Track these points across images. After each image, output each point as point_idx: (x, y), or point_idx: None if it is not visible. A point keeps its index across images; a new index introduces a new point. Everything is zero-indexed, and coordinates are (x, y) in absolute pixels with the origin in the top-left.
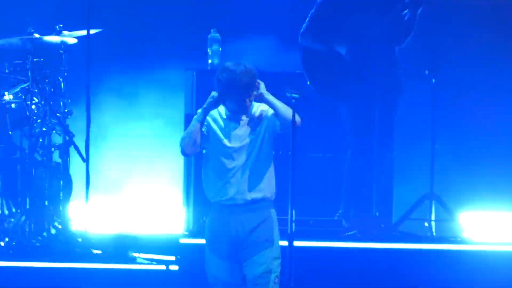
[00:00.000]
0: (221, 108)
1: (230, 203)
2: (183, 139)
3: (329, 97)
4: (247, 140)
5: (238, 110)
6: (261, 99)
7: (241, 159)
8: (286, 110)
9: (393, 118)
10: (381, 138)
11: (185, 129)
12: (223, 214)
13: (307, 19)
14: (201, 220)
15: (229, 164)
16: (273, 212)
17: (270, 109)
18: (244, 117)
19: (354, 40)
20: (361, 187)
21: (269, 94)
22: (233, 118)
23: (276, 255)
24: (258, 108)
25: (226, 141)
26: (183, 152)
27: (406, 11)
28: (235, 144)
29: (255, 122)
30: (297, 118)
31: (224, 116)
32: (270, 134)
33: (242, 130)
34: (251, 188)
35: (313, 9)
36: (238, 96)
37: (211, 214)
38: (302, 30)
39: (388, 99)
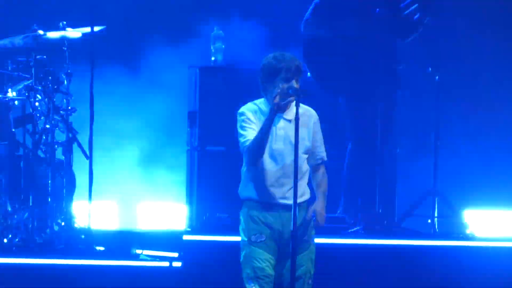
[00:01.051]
0: (264, 108)
1: (277, 203)
2: (254, 151)
3: (329, 89)
4: (291, 141)
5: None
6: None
7: (285, 160)
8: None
9: (392, 113)
10: (381, 133)
11: (189, 126)
12: (267, 211)
13: (311, 6)
14: (204, 217)
15: (273, 165)
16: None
17: (314, 120)
18: (287, 117)
19: (357, 29)
20: (363, 182)
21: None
22: (277, 119)
23: (313, 257)
24: (300, 111)
25: (272, 142)
26: (254, 164)
27: (417, 14)
28: (279, 145)
29: (297, 125)
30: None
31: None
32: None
33: (286, 132)
34: (296, 192)
35: None
36: (289, 78)
37: (251, 209)
38: (306, 17)
39: (387, 93)
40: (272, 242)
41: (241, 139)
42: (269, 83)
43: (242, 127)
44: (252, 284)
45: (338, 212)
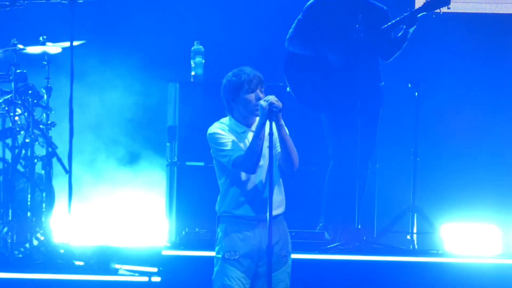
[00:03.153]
0: (231, 125)
1: (254, 218)
2: (249, 160)
3: (309, 105)
4: (265, 154)
5: (251, 110)
6: (278, 128)
7: (262, 173)
8: (294, 151)
9: (375, 131)
10: (363, 150)
11: (169, 141)
12: (246, 227)
13: (294, 23)
14: (183, 232)
15: (252, 179)
16: (285, 225)
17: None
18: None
19: (340, 48)
20: (343, 198)
21: (285, 126)
22: (246, 132)
23: (289, 270)
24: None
25: None
26: (253, 171)
27: (402, 31)
28: None
29: (271, 141)
30: (296, 159)
31: (239, 131)
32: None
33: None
34: (274, 204)
35: (300, 15)
36: (252, 89)
37: (228, 225)
38: (289, 35)
39: (369, 110)
40: (247, 260)
41: (225, 154)
42: (234, 100)
43: (221, 144)
44: None
45: (318, 228)
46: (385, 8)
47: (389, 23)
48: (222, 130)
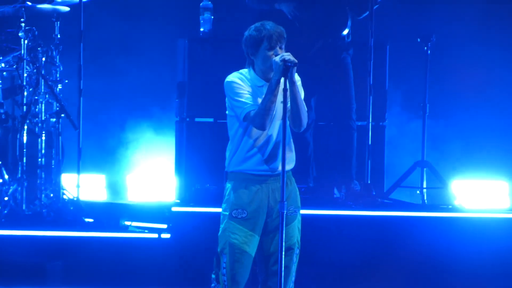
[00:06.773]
0: (249, 77)
1: (263, 174)
2: (261, 116)
3: None
4: (279, 108)
5: (269, 67)
6: (290, 85)
7: (275, 128)
8: (304, 111)
9: (349, 80)
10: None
11: (178, 97)
12: (254, 183)
13: None
14: (193, 188)
15: (264, 133)
16: (294, 181)
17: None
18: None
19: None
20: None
21: (298, 85)
22: (265, 86)
23: (299, 225)
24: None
25: None
26: (264, 128)
27: None
28: None
29: (286, 96)
30: (304, 119)
31: (258, 84)
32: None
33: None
34: (285, 161)
35: None
36: (272, 46)
37: (236, 182)
38: None
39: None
40: (256, 218)
41: (240, 105)
42: (254, 55)
43: (237, 94)
44: (225, 260)
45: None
46: None
47: None
48: (241, 80)
